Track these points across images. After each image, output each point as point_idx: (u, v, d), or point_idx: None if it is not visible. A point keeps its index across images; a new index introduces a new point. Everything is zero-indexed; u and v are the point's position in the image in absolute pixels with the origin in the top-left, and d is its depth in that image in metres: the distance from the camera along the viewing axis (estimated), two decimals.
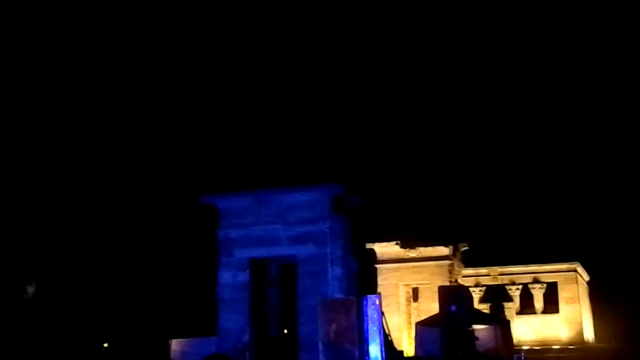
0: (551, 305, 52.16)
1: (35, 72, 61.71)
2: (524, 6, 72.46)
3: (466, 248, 52.13)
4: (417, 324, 37.87)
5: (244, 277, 31.51)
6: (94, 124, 63.29)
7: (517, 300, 52.37)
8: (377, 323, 27.86)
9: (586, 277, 56.14)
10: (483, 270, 53.17)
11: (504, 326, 37.58)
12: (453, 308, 29.19)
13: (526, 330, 51.33)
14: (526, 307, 52.49)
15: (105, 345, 53.14)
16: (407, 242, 50.36)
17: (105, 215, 57.74)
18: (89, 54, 66.28)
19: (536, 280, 52.22)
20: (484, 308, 49.97)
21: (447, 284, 45.99)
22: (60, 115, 61.79)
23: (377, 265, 50.63)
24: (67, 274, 53.28)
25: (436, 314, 36.74)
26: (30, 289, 47.08)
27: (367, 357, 27.18)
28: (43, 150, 58.68)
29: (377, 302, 28.30)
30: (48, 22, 62.26)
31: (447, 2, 73.01)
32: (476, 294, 51.34)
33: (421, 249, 50.18)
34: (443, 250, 49.97)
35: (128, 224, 57.22)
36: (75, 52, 65.48)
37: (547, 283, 52.16)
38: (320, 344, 27.71)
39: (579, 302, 51.89)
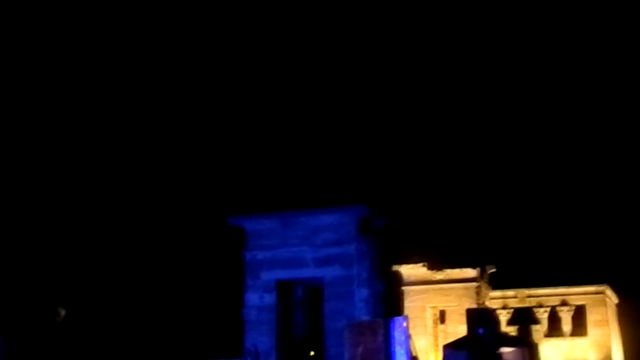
0: (579, 328, 51.61)
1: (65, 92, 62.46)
2: (525, 6, 72.29)
3: (493, 270, 51.77)
4: (445, 346, 37.61)
5: (270, 299, 31.67)
6: (119, 145, 63.82)
7: (544, 322, 51.87)
8: (404, 345, 27.82)
9: (615, 300, 55.58)
10: (510, 293, 52.76)
11: (532, 349, 37.28)
12: (481, 331, 29.02)
13: (554, 353, 50.82)
14: (554, 330, 51.96)
15: None
16: (433, 264, 50.19)
17: (132, 237, 58.11)
18: (115, 76, 66.98)
19: (564, 303, 51.74)
20: (512, 331, 49.58)
21: (475, 306, 45.71)
22: (85, 137, 62.45)
23: (403, 288, 50.39)
24: (95, 295, 53.64)
25: (463, 337, 36.54)
26: (62, 312, 47.46)
27: None
28: (70, 172, 59.28)
29: (404, 324, 28.29)
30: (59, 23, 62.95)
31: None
32: (503, 316, 50.98)
33: (448, 271, 49.96)
34: (470, 273, 49.70)
35: (155, 246, 57.55)
36: (106, 73, 66.23)
37: (575, 305, 51.69)
38: None
39: (607, 325, 51.34)
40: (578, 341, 51.26)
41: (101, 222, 58.31)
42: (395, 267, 49.89)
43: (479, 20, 73.64)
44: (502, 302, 52.46)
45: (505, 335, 40.41)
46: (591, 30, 70.67)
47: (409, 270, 50.61)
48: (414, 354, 29.58)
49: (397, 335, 27.71)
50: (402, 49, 73.56)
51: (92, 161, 61.69)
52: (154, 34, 68.30)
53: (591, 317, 51.35)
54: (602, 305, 51.62)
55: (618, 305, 56.97)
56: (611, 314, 53.44)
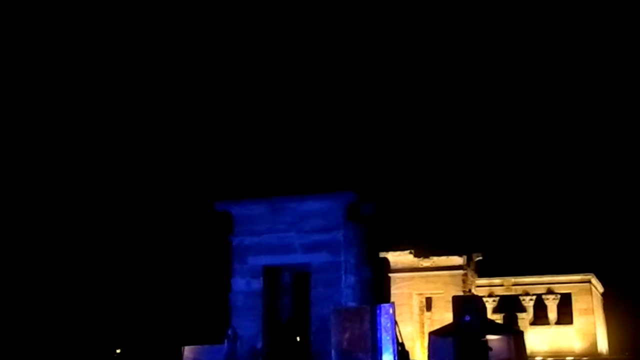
0: (565, 316, 51.88)
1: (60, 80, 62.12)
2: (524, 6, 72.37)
3: (480, 258, 51.98)
4: (430, 333, 37.67)
5: (257, 284, 31.62)
6: (108, 133, 63.58)
7: (530, 310, 52.13)
8: (390, 332, 27.82)
9: (600, 289, 55.86)
10: (497, 281, 52.98)
11: (518, 337, 37.35)
12: (467, 318, 29.00)
13: (539, 341, 51.08)
14: (540, 317, 52.23)
15: (118, 351, 53.25)
16: (420, 252, 50.28)
17: (119, 222, 57.95)
18: (107, 60, 66.66)
19: (550, 291, 51.99)
20: (498, 318, 49.76)
21: (461, 293, 45.78)
22: (75, 126, 62.23)
23: (390, 274, 50.53)
24: (80, 280, 53.49)
25: (449, 324, 36.52)
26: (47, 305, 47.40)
27: None
28: (52, 157, 59.06)
29: (391, 311, 28.26)
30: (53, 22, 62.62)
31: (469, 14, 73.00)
32: (490, 304, 51.12)
33: (435, 258, 50.07)
34: (457, 260, 49.83)
35: (143, 231, 57.40)
36: (97, 58, 65.88)
37: (561, 294, 51.89)
38: (333, 352, 27.70)
39: (593, 313, 51.61)
40: (563, 329, 51.53)
41: (85, 207, 58.15)
42: (383, 254, 50.05)
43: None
44: (488, 289, 52.64)
45: (492, 322, 40.46)
46: (590, 30, 70.86)
47: (395, 258, 50.71)
48: (400, 340, 29.56)
49: (384, 322, 27.68)
50: (383, 43, 73.54)
51: (78, 145, 61.48)
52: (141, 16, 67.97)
53: (577, 306, 51.62)
54: (587, 293, 51.87)
55: (603, 294, 57.27)
56: (596, 303, 53.70)
